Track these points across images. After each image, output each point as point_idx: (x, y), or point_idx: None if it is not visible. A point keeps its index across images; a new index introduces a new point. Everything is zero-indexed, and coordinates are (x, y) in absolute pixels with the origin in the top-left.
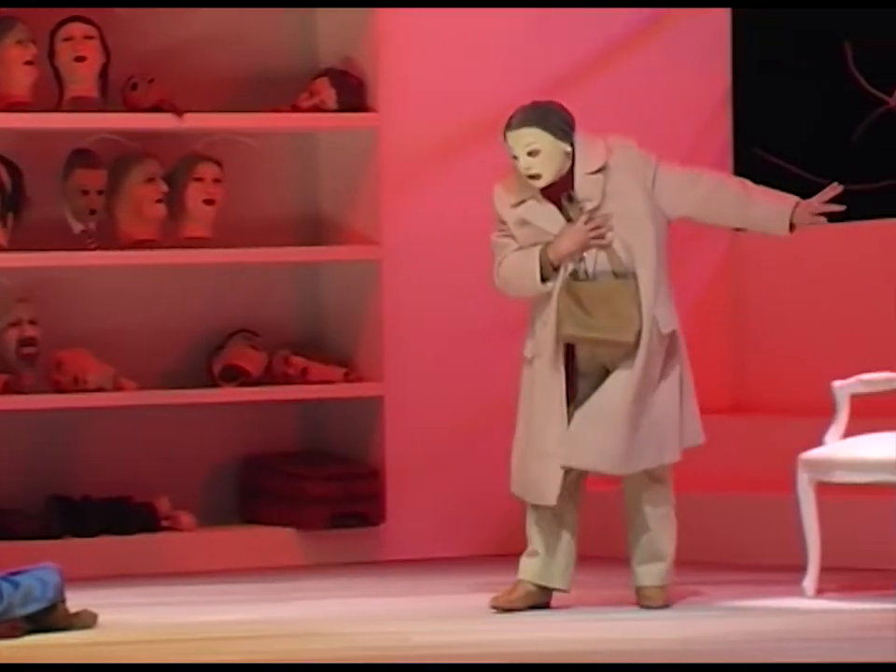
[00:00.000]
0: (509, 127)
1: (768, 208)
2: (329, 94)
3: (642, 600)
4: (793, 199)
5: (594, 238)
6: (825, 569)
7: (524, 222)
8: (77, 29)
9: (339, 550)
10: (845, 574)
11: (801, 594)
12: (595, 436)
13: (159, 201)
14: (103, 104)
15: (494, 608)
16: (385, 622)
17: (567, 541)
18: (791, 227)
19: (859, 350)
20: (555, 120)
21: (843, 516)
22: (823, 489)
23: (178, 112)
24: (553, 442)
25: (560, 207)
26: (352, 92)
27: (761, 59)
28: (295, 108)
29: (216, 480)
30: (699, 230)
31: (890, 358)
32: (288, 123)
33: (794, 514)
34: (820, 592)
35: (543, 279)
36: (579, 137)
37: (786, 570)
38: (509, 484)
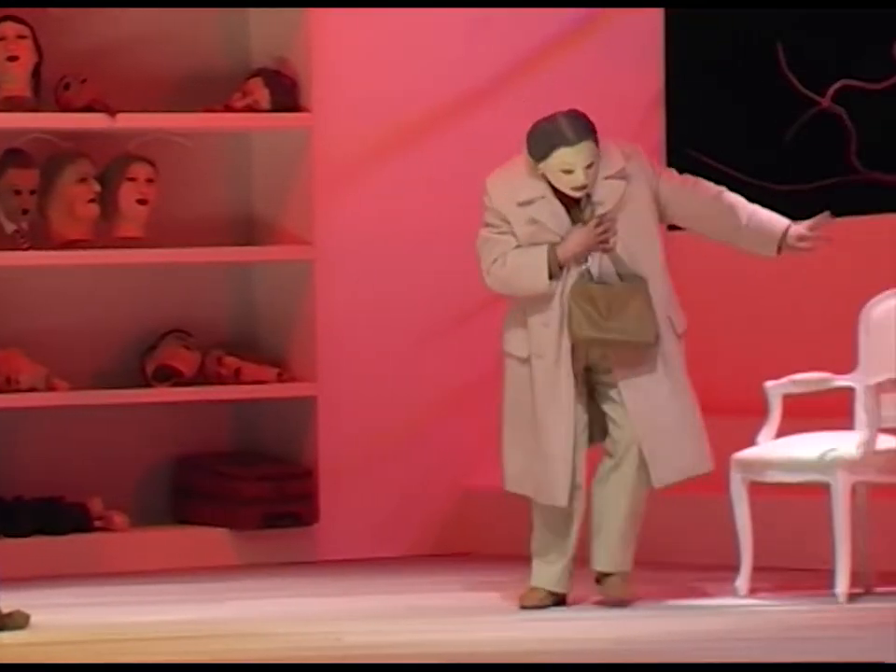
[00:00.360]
0: (567, 143)
1: (759, 229)
2: (262, 94)
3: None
4: (785, 222)
5: (600, 242)
6: (758, 569)
7: (532, 221)
8: (9, 28)
9: (272, 550)
10: (778, 574)
11: (734, 593)
12: (676, 445)
13: (91, 200)
14: (35, 103)
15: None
16: (319, 622)
17: (573, 542)
18: (779, 249)
19: (791, 350)
20: (594, 128)
21: (776, 516)
22: (756, 489)
23: (111, 112)
24: (562, 445)
25: (568, 208)
26: (285, 92)
27: (694, 59)
28: (228, 108)
29: (149, 480)
30: None
31: (822, 359)
32: (222, 123)
33: (727, 514)
34: (753, 591)
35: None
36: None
37: (720, 570)
38: (445, 484)
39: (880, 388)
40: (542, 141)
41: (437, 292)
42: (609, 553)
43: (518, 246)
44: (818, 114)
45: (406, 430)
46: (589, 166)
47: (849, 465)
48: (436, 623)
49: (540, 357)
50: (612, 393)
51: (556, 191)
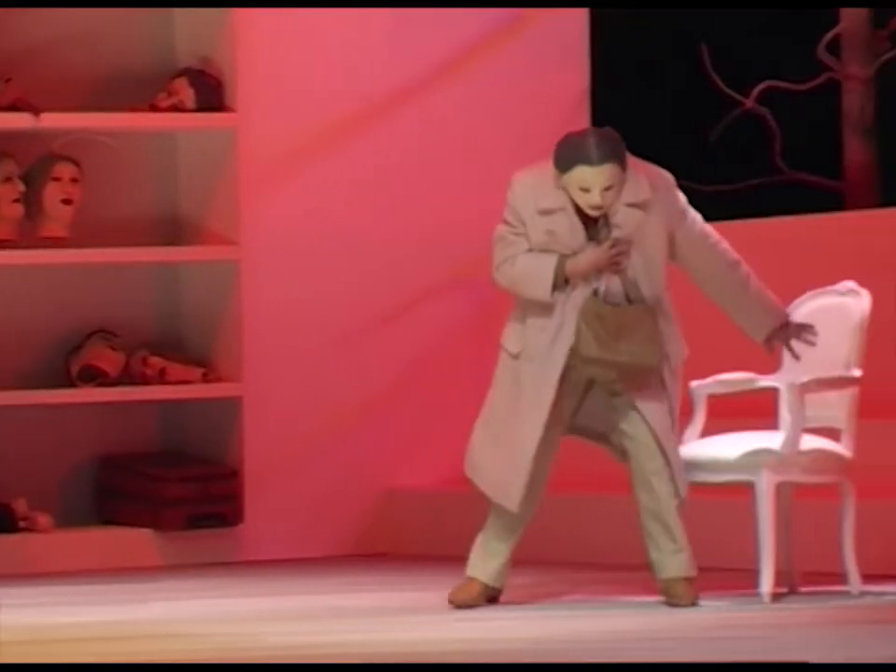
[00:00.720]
0: (588, 162)
1: (755, 316)
2: (187, 94)
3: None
4: (781, 317)
5: (612, 264)
6: None
7: (549, 231)
8: None
9: (197, 550)
10: (703, 573)
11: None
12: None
13: (16, 200)
14: None
15: (452, 603)
16: (243, 622)
17: (518, 542)
18: (768, 338)
19: (716, 350)
20: (623, 151)
21: (700, 516)
22: None
23: (35, 111)
24: (527, 451)
25: (586, 224)
26: (210, 92)
27: (619, 59)
28: (153, 108)
29: (73, 480)
30: None
31: (747, 359)
32: (147, 123)
33: None
34: None
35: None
36: (627, 164)
37: (646, 570)
38: (368, 485)
39: (804, 388)
40: (566, 154)
41: (362, 292)
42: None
43: (530, 250)
44: (742, 114)
45: (329, 431)
46: (608, 188)
47: (773, 465)
48: (358, 624)
49: (530, 361)
50: (626, 409)
51: (577, 205)
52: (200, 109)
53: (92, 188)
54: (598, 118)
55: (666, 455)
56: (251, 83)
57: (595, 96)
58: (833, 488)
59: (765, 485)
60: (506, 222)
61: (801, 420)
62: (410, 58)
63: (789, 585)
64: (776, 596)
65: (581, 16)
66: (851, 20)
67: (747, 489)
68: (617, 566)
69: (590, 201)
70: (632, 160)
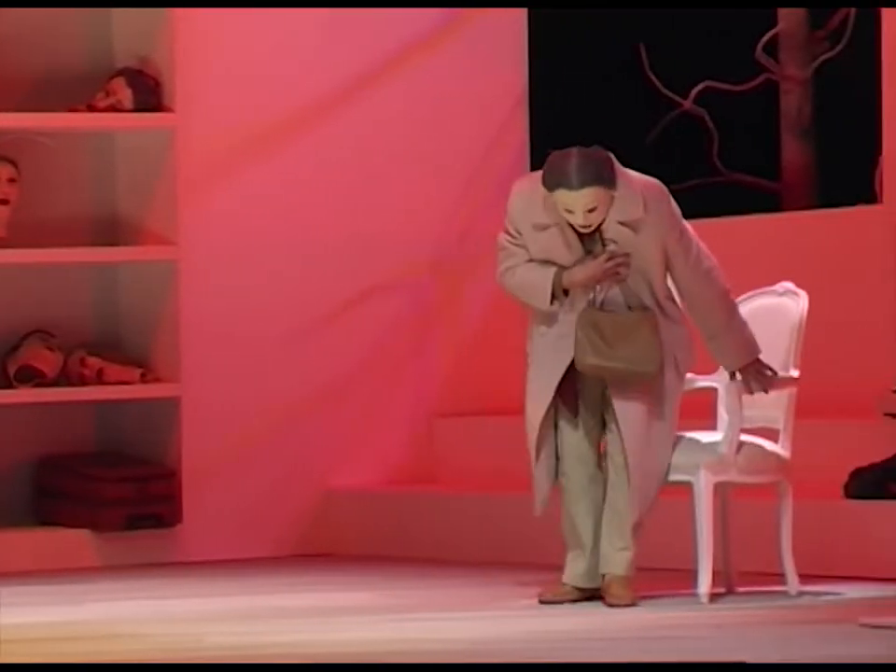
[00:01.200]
0: (568, 186)
1: (730, 349)
2: (125, 94)
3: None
4: (753, 354)
5: (612, 275)
6: None
7: (545, 248)
8: None
9: (135, 551)
10: (642, 574)
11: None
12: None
13: None
14: None
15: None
16: (182, 623)
17: (591, 535)
18: (734, 374)
19: None
20: (608, 172)
21: None
22: None
23: None
24: (532, 454)
25: (582, 237)
26: (148, 92)
27: (557, 59)
28: (91, 108)
29: (11, 480)
30: (497, 228)
31: None
32: (85, 123)
33: None
34: None
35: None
36: (619, 181)
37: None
38: (308, 485)
39: (741, 389)
40: (549, 177)
41: (300, 293)
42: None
43: (531, 261)
44: (680, 115)
45: (269, 431)
46: (591, 210)
47: (712, 465)
48: (298, 624)
49: (534, 364)
50: (610, 419)
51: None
52: (138, 109)
53: (30, 188)
54: (537, 118)
55: (630, 477)
56: (189, 83)
57: (533, 96)
58: (771, 488)
59: (703, 486)
60: (506, 231)
61: (739, 420)
62: (348, 58)
63: (726, 585)
64: (713, 597)
65: (519, 16)
66: (789, 21)
67: (685, 489)
68: (558, 567)
69: (575, 221)
70: (626, 174)
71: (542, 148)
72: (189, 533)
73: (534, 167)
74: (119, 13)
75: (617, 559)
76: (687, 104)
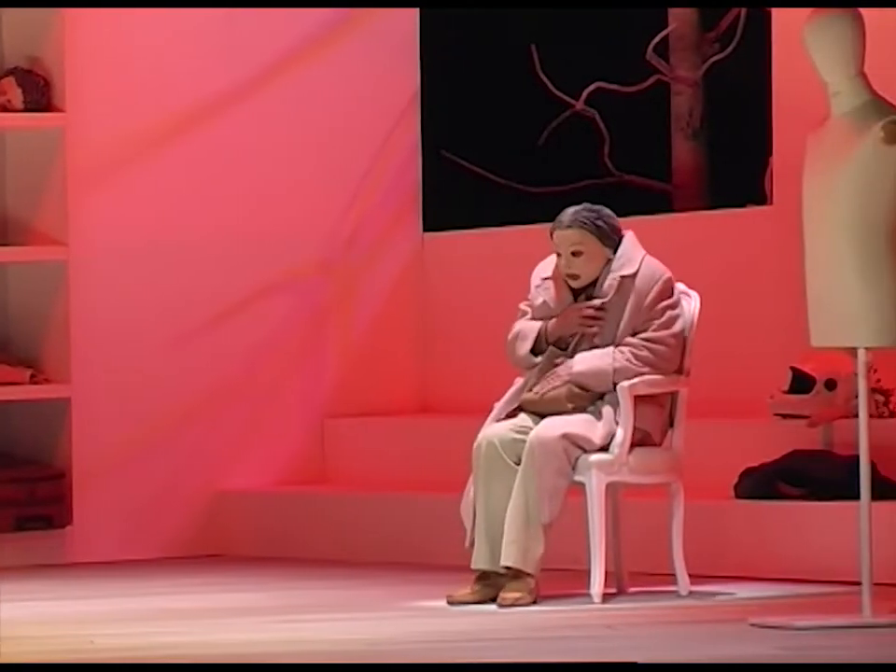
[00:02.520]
0: (559, 225)
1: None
2: (14, 94)
3: None
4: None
5: (582, 325)
6: None
7: (543, 301)
8: None
9: (24, 553)
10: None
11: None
12: None
13: None
14: None
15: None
16: (70, 624)
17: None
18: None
19: None
20: (604, 226)
21: None
22: None
23: None
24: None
25: (575, 291)
26: (38, 92)
27: (449, 60)
28: None
29: None
30: (388, 229)
31: None
32: None
33: None
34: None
35: (536, 353)
36: (626, 242)
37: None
38: (199, 486)
39: (633, 389)
40: (552, 224)
41: (191, 293)
42: None
43: (531, 318)
44: (571, 116)
45: (159, 432)
46: (576, 254)
47: (603, 465)
48: (189, 625)
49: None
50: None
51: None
52: (28, 109)
53: None
54: (428, 119)
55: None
56: (79, 83)
57: (424, 97)
58: (663, 488)
59: (595, 486)
60: (527, 297)
61: (630, 421)
62: (239, 58)
63: (618, 586)
64: (606, 597)
65: (410, 17)
66: (680, 22)
67: (578, 490)
68: (452, 567)
69: (562, 264)
70: (637, 246)
71: (433, 151)
72: (78, 534)
73: (425, 168)
74: (8, 13)
75: (508, 551)
76: (578, 105)
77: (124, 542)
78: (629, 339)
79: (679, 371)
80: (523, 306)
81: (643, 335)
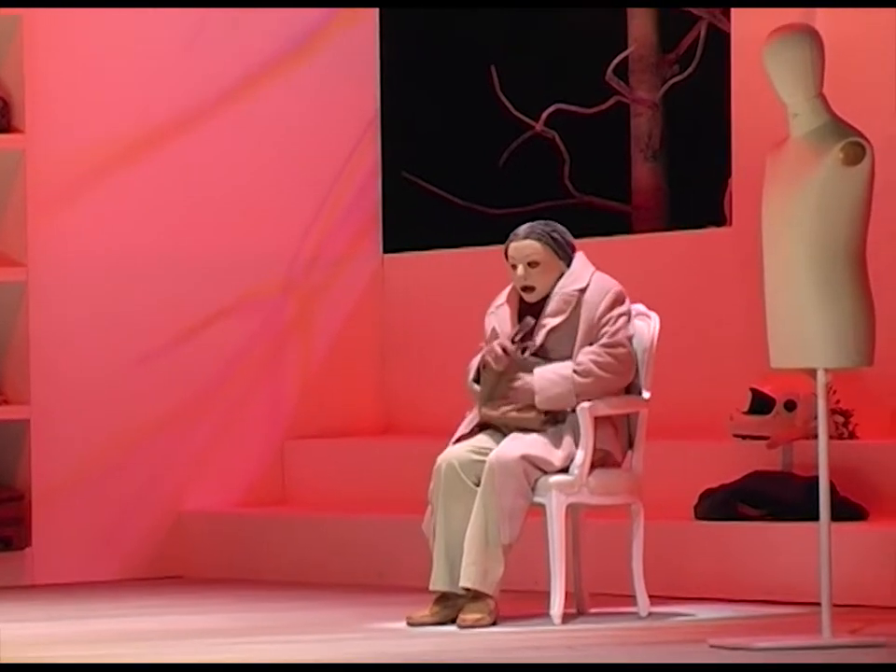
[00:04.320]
0: (515, 238)
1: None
2: None
3: None
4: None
5: (487, 355)
6: None
7: (493, 330)
8: None
9: None
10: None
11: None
12: None
13: None
14: None
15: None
16: (29, 646)
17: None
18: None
19: None
20: (559, 240)
21: None
22: None
23: None
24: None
25: (522, 314)
26: None
27: (409, 81)
28: None
29: None
30: (349, 250)
31: None
32: None
33: None
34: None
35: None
36: (576, 260)
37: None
38: (160, 507)
39: (594, 411)
40: (506, 241)
41: (152, 314)
42: None
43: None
44: (531, 137)
45: (120, 453)
46: (532, 264)
47: (563, 486)
48: (149, 646)
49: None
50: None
51: (520, 300)
52: None
53: None
54: (388, 140)
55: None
56: (39, 104)
57: (385, 118)
58: (623, 509)
59: (555, 507)
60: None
61: (591, 442)
62: (199, 81)
63: (578, 607)
64: (566, 618)
65: (371, 36)
66: (639, 44)
67: (538, 511)
68: (412, 588)
69: (517, 277)
70: (588, 263)
71: (394, 170)
72: (38, 556)
73: (385, 189)
74: None
75: (467, 573)
76: (538, 126)
77: (84, 564)
78: (587, 348)
79: (639, 390)
80: (481, 344)
81: (602, 342)
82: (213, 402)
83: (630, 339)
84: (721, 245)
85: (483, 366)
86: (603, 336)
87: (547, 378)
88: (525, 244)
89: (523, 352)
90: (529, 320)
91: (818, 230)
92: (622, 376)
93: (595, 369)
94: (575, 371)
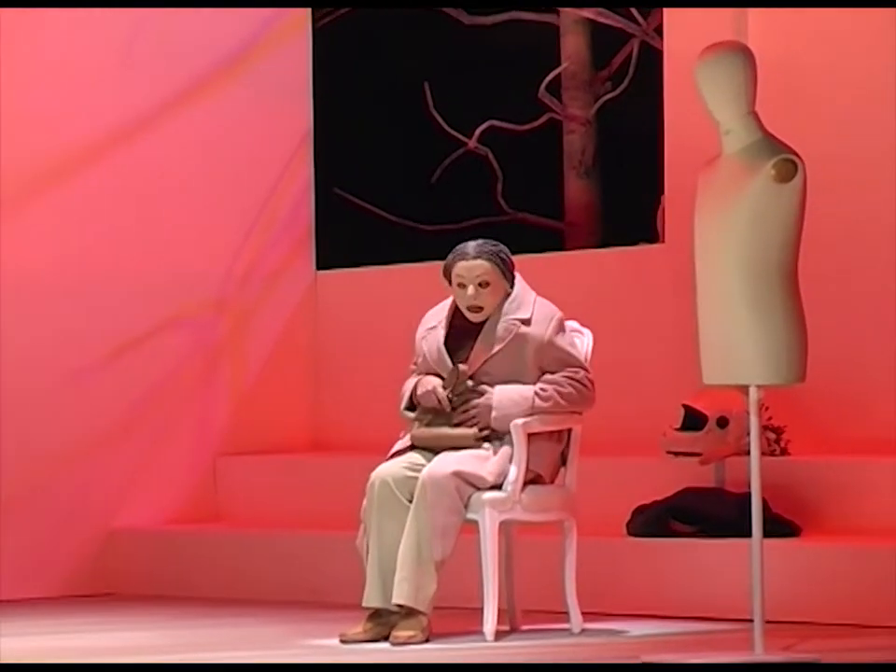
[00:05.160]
0: (464, 257)
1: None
2: None
3: None
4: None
5: (422, 399)
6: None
7: (423, 356)
8: None
9: None
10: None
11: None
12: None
13: None
14: None
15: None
16: None
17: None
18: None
19: None
20: (506, 260)
21: None
22: None
23: None
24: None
25: (459, 336)
26: None
27: (342, 98)
28: None
29: None
30: (281, 267)
31: None
32: None
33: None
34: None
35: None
36: (517, 284)
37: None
38: (92, 524)
39: (527, 427)
40: (449, 259)
41: (84, 332)
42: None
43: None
44: (464, 154)
45: (51, 471)
46: (482, 284)
47: (496, 503)
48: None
49: None
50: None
51: (452, 323)
52: None
53: None
54: (321, 156)
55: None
56: None
57: (317, 135)
58: (556, 526)
59: (489, 524)
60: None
61: (524, 459)
62: (132, 99)
63: (511, 624)
64: (499, 634)
65: (303, 52)
66: (572, 61)
67: (471, 528)
68: (345, 605)
69: (466, 297)
70: (532, 293)
71: (326, 187)
72: None
73: (318, 206)
74: None
75: (399, 589)
76: (471, 143)
77: (16, 581)
78: (550, 376)
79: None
80: (412, 364)
81: (567, 374)
82: (145, 419)
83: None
84: (653, 261)
85: (418, 401)
86: (559, 363)
87: (509, 398)
88: (476, 263)
89: (454, 399)
90: (461, 368)
91: (750, 246)
92: (578, 409)
93: (559, 398)
94: (538, 395)
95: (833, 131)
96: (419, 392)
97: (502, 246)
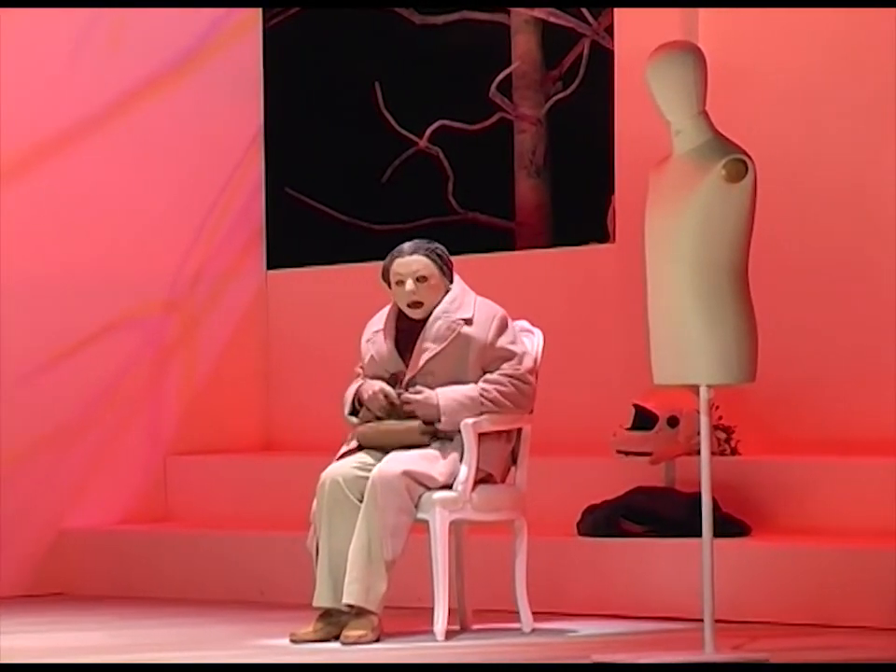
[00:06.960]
0: (400, 255)
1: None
2: None
3: None
4: (441, 413)
5: (369, 403)
6: None
7: (371, 356)
8: None
9: None
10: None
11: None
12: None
13: None
14: None
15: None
16: None
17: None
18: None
19: None
20: (443, 257)
21: None
22: None
23: None
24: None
25: (404, 343)
26: None
27: (293, 97)
28: None
29: None
30: (232, 266)
31: None
32: None
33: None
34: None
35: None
36: (456, 285)
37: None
38: (41, 525)
39: (477, 427)
40: (386, 261)
41: (34, 332)
42: None
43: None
44: (415, 153)
45: (1, 471)
46: (420, 279)
47: (447, 503)
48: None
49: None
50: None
51: (397, 327)
52: None
53: None
54: (272, 157)
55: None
56: None
57: (268, 134)
58: (506, 526)
59: (439, 523)
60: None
61: (474, 459)
62: (82, 98)
63: (461, 623)
64: (449, 634)
65: (255, 52)
66: (523, 60)
67: (421, 527)
68: (296, 605)
69: (404, 293)
70: (472, 293)
71: (277, 187)
72: None
73: (269, 205)
74: None
75: (349, 590)
76: (422, 142)
77: None
78: (490, 376)
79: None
80: (357, 368)
81: (505, 371)
82: (95, 420)
83: (534, 371)
84: (604, 261)
85: (361, 403)
86: (500, 362)
87: (455, 399)
88: (412, 259)
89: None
90: (393, 396)
91: (700, 246)
92: (523, 409)
93: (501, 399)
94: (482, 396)
95: (782, 131)
96: (365, 397)
97: (438, 244)
